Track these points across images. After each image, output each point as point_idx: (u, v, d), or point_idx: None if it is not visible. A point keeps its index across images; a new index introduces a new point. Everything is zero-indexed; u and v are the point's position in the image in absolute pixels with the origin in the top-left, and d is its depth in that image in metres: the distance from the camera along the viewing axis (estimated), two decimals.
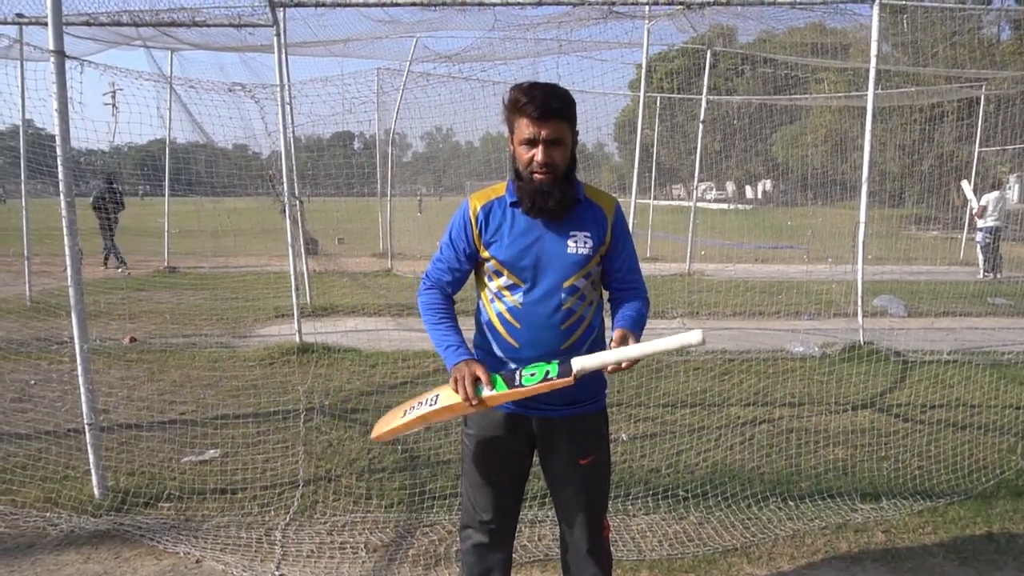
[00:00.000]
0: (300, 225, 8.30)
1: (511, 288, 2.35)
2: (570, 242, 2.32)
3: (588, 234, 2.34)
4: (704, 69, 12.63)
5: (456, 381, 2.22)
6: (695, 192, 15.15)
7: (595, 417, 2.48)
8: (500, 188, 2.41)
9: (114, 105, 6.54)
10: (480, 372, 2.22)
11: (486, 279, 2.42)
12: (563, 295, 2.33)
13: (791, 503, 3.83)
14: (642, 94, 9.82)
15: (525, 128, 2.25)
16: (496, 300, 2.38)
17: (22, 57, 8.42)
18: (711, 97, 13.70)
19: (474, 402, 2.19)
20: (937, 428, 4.85)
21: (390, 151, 15.13)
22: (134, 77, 6.57)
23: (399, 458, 4.47)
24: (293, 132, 8.08)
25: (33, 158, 11.67)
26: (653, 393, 5.60)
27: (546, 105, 2.21)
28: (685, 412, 5.29)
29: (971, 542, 3.45)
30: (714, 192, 33.56)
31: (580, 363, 2.16)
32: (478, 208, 2.37)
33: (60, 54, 3.60)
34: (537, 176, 2.26)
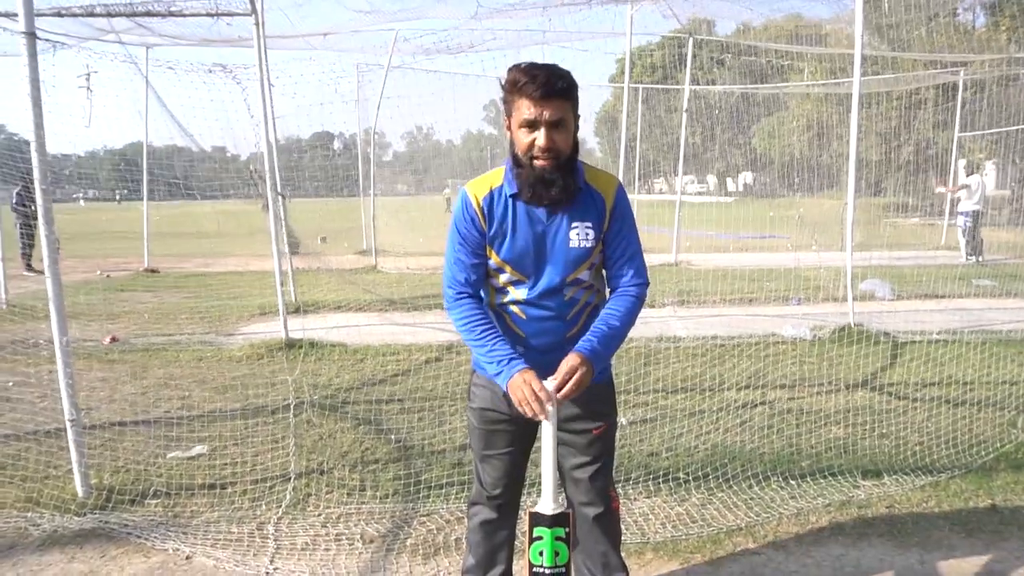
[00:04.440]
0: (283, 221, 8.16)
1: (515, 283, 2.29)
2: (572, 235, 2.25)
3: (589, 224, 2.26)
4: (686, 59, 12.61)
5: (520, 403, 2.15)
6: (679, 184, 15.17)
7: (603, 386, 2.43)
8: (497, 176, 2.30)
9: (88, 88, 6.37)
10: (536, 385, 2.13)
11: (489, 274, 2.35)
12: (567, 288, 2.28)
13: (793, 482, 3.78)
14: (627, 83, 9.77)
15: (525, 109, 2.13)
16: (500, 293, 2.33)
17: None
18: (695, 87, 13.69)
19: (547, 417, 2.14)
20: (933, 405, 4.84)
21: (372, 151, 14.98)
22: (109, 59, 6.38)
23: (392, 449, 4.37)
24: (274, 124, 7.94)
25: (10, 162, 11.43)
26: (646, 379, 5.55)
27: (549, 85, 2.10)
28: (680, 397, 5.23)
29: (975, 514, 3.42)
30: (696, 185, 33.68)
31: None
32: (480, 199, 2.27)
33: (31, 35, 3.47)
34: (538, 162, 2.16)
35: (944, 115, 16.44)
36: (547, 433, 2.16)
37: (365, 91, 14.21)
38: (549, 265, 2.26)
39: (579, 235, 2.25)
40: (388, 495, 3.74)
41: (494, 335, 2.27)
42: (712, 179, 34.77)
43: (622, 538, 3.09)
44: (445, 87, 13.37)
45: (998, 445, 4.16)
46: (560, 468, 2.46)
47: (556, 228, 2.24)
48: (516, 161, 2.22)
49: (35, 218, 3.63)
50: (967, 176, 13.75)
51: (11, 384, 5.94)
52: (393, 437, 4.48)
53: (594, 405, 2.40)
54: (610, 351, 2.31)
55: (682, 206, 14.40)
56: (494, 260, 2.28)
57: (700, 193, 32.65)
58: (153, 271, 13.29)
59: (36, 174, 3.51)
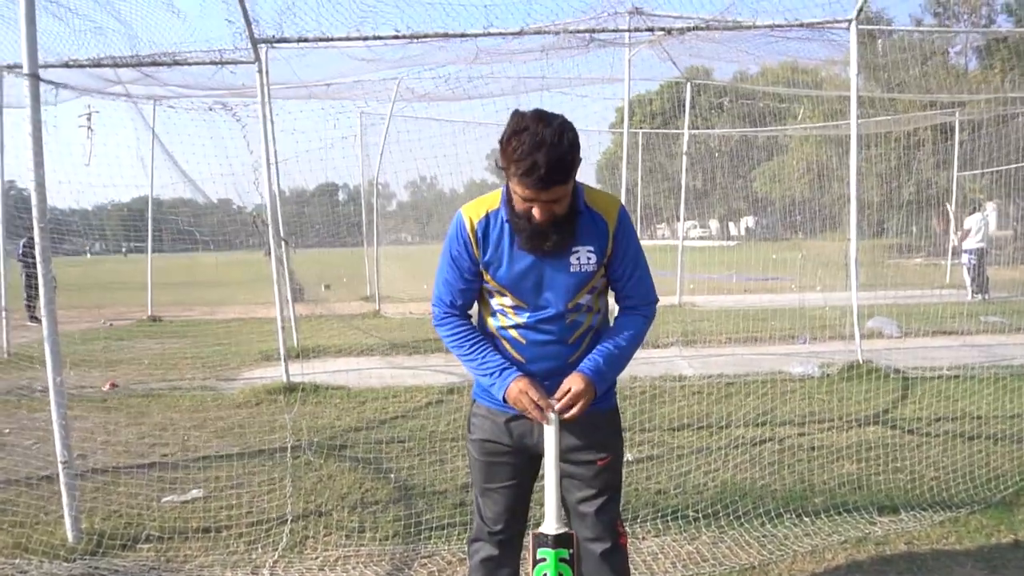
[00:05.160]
0: (286, 266, 8.16)
1: (514, 308, 2.23)
2: (572, 259, 2.18)
3: (591, 248, 2.19)
4: (685, 103, 12.78)
5: (523, 411, 2.16)
6: (681, 229, 15.21)
7: (608, 414, 2.34)
8: (494, 199, 2.24)
9: (90, 127, 6.44)
10: (534, 392, 2.14)
11: (487, 296, 2.30)
12: (568, 313, 2.22)
13: (807, 519, 3.65)
14: (626, 127, 9.87)
15: (520, 188, 2.03)
16: (500, 316, 2.27)
17: (1, 105, 8.33)
18: (694, 131, 13.85)
19: (549, 422, 2.14)
20: (948, 439, 4.72)
21: (375, 201, 15.13)
22: (111, 98, 6.46)
23: (393, 490, 4.26)
24: (277, 168, 8.01)
25: (18, 219, 11.57)
26: (652, 417, 5.44)
27: (548, 180, 1.98)
28: (688, 434, 5.12)
29: (998, 550, 3.29)
30: (698, 230, 33.81)
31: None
32: (475, 223, 2.21)
33: (35, 77, 3.50)
34: (535, 220, 2.09)
35: (942, 155, 16.58)
36: (549, 443, 2.10)
37: (368, 138, 14.41)
38: (548, 291, 2.20)
39: (579, 259, 2.19)
40: (388, 536, 3.62)
41: (484, 347, 2.24)
42: (714, 224, 34.94)
43: None
44: (447, 133, 13.50)
45: (1017, 479, 4.02)
46: (565, 503, 2.37)
47: (555, 253, 2.18)
48: (511, 206, 2.14)
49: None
50: (968, 215, 13.77)
51: (7, 431, 5.86)
52: (393, 476, 4.37)
53: (599, 434, 2.32)
54: (615, 372, 2.25)
55: (685, 251, 14.41)
56: (491, 284, 2.23)
57: (702, 238, 32.76)
58: (156, 319, 13.27)
59: (34, 212, 3.50)
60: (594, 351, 2.23)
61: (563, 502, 2.36)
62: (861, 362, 6.71)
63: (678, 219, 15.02)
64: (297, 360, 8.09)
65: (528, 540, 2.21)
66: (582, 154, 2.14)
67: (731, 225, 35.24)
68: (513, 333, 2.23)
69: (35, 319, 12.40)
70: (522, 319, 2.22)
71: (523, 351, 2.24)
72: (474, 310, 2.39)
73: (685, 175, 13.77)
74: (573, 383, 2.16)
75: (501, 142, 2.03)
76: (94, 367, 8.35)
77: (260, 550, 3.52)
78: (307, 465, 4.71)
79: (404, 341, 9.57)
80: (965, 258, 13.11)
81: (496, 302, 2.26)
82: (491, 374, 2.20)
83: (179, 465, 4.70)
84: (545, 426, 2.15)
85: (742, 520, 3.65)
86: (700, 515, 3.71)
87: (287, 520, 3.80)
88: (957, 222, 15.62)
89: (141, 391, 7.15)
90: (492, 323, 2.28)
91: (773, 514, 3.69)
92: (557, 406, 2.13)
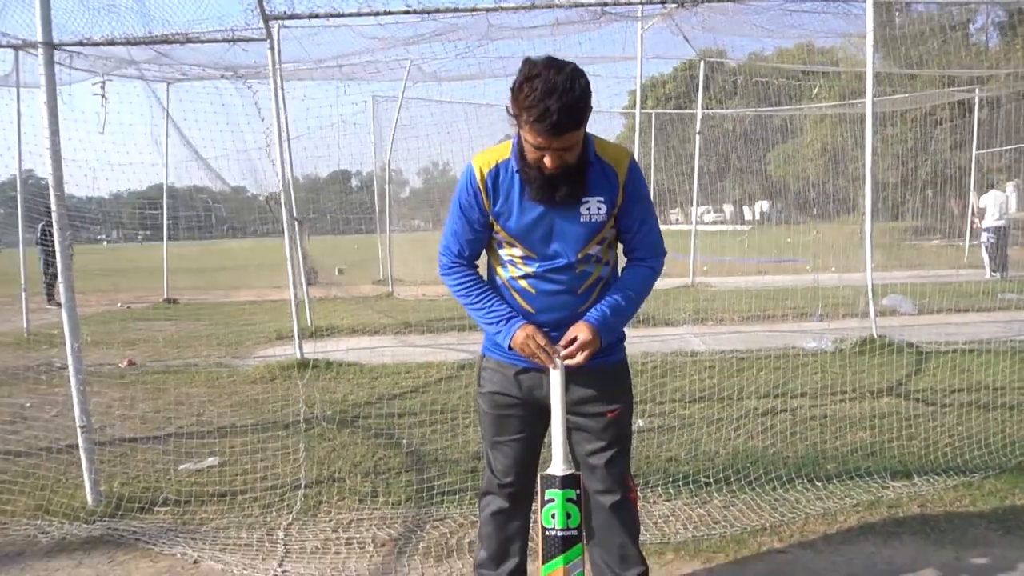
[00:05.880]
0: (299, 245, 8.20)
1: (524, 258, 2.24)
2: (583, 209, 2.18)
3: (601, 199, 2.19)
4: (699, 83, 12.67)
5: (530, 356, 2.20)
6: (694, 213, 15.11)
7: (617, 367, 2.35)
8: (505, 150, 2.24)
9: (104, 96, 6.49)
10: (540, 338, 2.18)
11: (496, 247, 2.30)
12: (578, 263, 2.22)
13: (819, 484, 3.65)
14: (638, 106, 9.81)
15: (532, 136, 2.02)
16: (509, 267, 2.28)
17: (18, 84, 8.40)
18: (707, 111, 13.73)
19: (556, 366, 2.17)
20: (963, 409, 4.68)
21: (388, 188, 15.15)
22: (124, 66, 6.50)
23: (405, 458, 4.29)
24: (289, 143, 8.04)
25: (33, 206, 11.72)
26: (664, 390, 5.43)
27: (560, 126, 1.96)
28: (700, 406, 5.11)
29: (1012, 512, 3.27)
30: (712, 215, 33.57)
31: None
32: (485, 173, 2.21)
33: (49, 45, 3.53)
34: (546, 169, 2.09)
35: (960, 135, 16.33)
36: (556, 388, 2.13)
37: (381, 123, 14.42)
38: (558, 241, 2.20)
39: (589, 210, 2.19)
40: (401, 501, 3.66)
41: (490, 296, 2.26)
42: (729, 208, 34.67)
43: (641, 538, 2.98)
44: (459, 118, 13.46)
45: None
46: (574, 455, 2.38)
47: (565, 203, 2.18)
48: (523, 156, 2.14)
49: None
50: (983, 194, 13.57)
51: (28, 405, 5.95)
52: (405, 441, 4.40)
53: (608, 386, 2.33)
54: (621, 322, 2.26)
55: (698, 235, 14.33)
56: (501, 234, 2.24)
57: (716, 222, 32.54)
58: (172, 301, 13.40)
59: (51, 180, 3.54)
60: (601, 302, 2.23)
61: (573, 455, 2.37)
62: (876, 336, 6.66)
63: (691, 204, 14.91)
64: (311, 339, 8.15)
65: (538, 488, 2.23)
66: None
67: (745, 209, 34.96)
68: (523, 283, 2.24)
69: (54, 302, 12.58)
70: (532, 268, 2.22)
71: (533, 301, 2.24)
72: (483, 261, 2.40)
73: (698, 156, 13.66)
74: (579, 331, 2.17)
75: (513, 89, 2.03)
76: (111, 346, 8.46)
77: (275, 513, 3.57)
78: (320, 436, 4.76)
79: (417, 321, 9.61)
80: (984, 236, 12.93)
81: (505, 253, 2.26)
82: (497, 322, 2.22)
83: (195, 436, 4.76)
84: (551, 370, 2.17)
85: (753, 485, 3.65)
86: (711, 480, 3.71)
87: (300, 485, 3.85)
88: (974, 205, 15.42)
89: (158, 368, 7.23)
90: (503, 273, 2.29)
91: (785, 479, 3.69)
92: (563, 352, 2.15)
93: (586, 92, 2.01)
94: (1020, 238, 16.06)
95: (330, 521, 3.47)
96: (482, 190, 2.21)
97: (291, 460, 4.26)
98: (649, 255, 2.30)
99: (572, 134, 2.02)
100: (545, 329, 2.22)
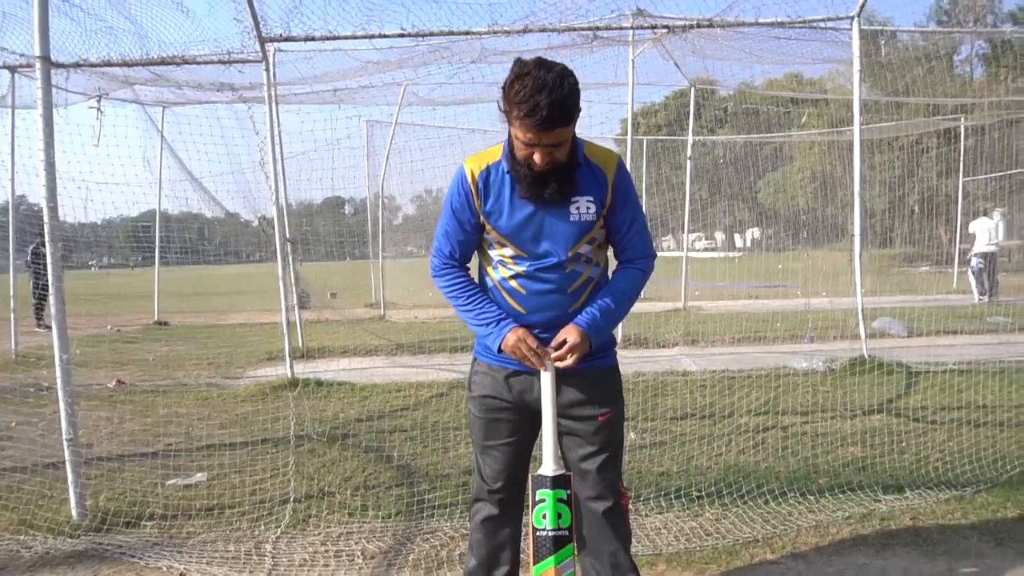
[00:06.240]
0: (291, 266, 8.20)
1: (515, 258, 2.26)
2: (572, 208, 2.21)
3: (591, 198, 2.22)
4: (690, 108, 12.84)
5: (521, 359, 2.21)
6: (686, 239, 15.21)
7: (608, 371, 2.36)
8: (495, 152, 2.28)
9: (99, 110, 6.52)
10: (529, 339, 2.19)
11: (487, 247, 2.32)
12: (568, 262, 2.24)
13: (811, 497, 3.64)
14: (630, 130, 9.92)
15: (523, 132, 2.07)
16: (500, 267, 2.29)
17: (13, 105, 8.44)
18: (698, 137, 13.89)
19: (546, 368, 2.19)
20: (953, 426, 4.70)
21: (380, 215, 15.22)
22: (120, 87, 6.54)
23: (396, 474, 4.26)
24: (283, 163, 8.08)
25: (26, 229, 11.73)
26: (656, 408, 5.43)
27: (550, 120, 2.01)
28: (692, 423, 5.10)
29: (1004, 525, 3.27)
30: (704, 242, 33.76)
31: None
32: (476, 174, 2.25)
33: (46, 60, 3.57)
34: (535, 167, 2.14)
35: (947, 163, 16.57)
36: (546, 389, 2.13)
37: (375, 147, 14.50)
38: (548, 239, 2.22)
39: (579, 209, 2.22)
40: (391, 515, 3.63)
41: (481, 298, 2.27)
42: (720, 236, 34.89)
43: (632, 549, 2.96)
44: (453, 142, 13.58)
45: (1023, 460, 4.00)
46: (566, 462, 2.38)
47: (555, 202, 2.21)
48: (513, 155, 2.18)
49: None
50: (972, 221, 13.76)
51: (14, 424, 5.88)
52: (396, 455, 4.37)
53: (599, 390, 2.33)
54: (611, 324, 2.27)
55: (690, 261, 14.40)
56: (492, 235, 2.26)
57: (708, 249, 32.69)
58: (163, 323, 13.33)
59: (44, 192, 3.55)
60: (591, 305, 2.25)
61: (564, 461, 2.36)
62: (866, 357, 6.68)
63: (683, 231, 15.00)
64: (302, 360, 8.11)
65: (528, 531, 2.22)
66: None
67: (736, 236, 35.19)
68: (513, 284, 2.25)
69: (43, 325, 12.49)
70: (522, 268, 2.24)
71: (523, 301, 2.25)
72: (475, 264, 2.42)
73: (689, 183, 13.78)
74: (568, 335, 2.19)
75: (504, 86, 2.07)
76: (100, 367, 8.39)
77: (263, 527, 3.53)
78: (311, 452, 4.72)
79: (409, 342, 9.59)
80: (974, 261, 13.05)
81: (496, 253, 2.28)
82: (487, 324, 2.24)
83: (184, 452, 4.71)
84: (542, 372, 2.18)
85: (745, 499, 3.64)
86: (703, 494, 3.70)
87: (290, 499, 3.81)
88: (962, 231, 15.59)
89: (147, 388, 7.17)
90: (493, 274, 2.30)
91: (777, 493, 3.68)
92: (553, 355, 2.16)
93: (575, 91, 2.06)
94: (1008, 264, 16.25)
95: (319, 534, 3.44)
96: (473, 190, 2.24)
97: (280, 476, 4.22)
98: (638, 256, 2.33)
99: (561, 130, 2.06)
100: (536, 330, 2.24)
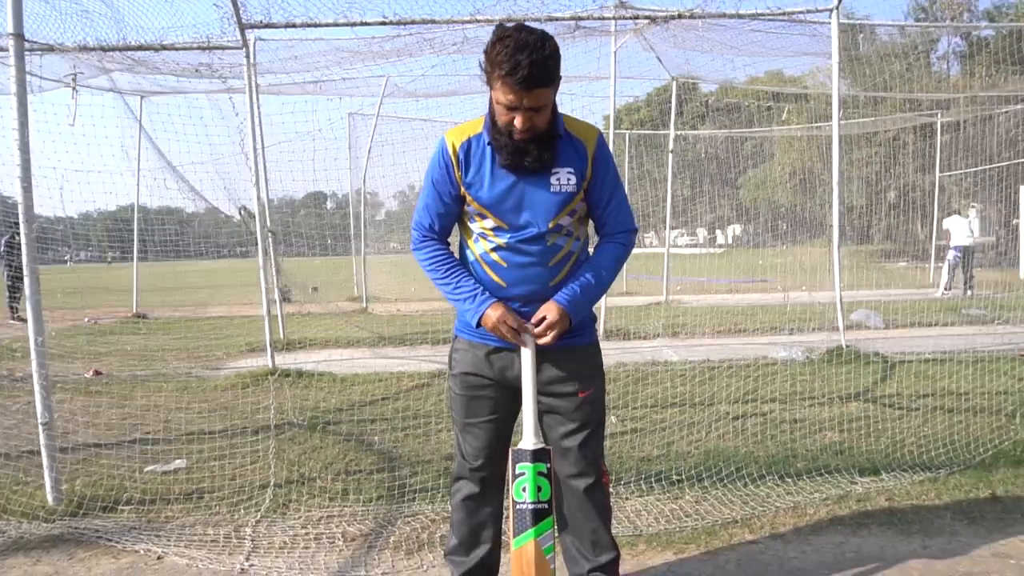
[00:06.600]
0: (272, 257, 8.13)
1: (495, 230, 2.25)
2: (553, 180, 2.22)
3: (571, 170, 2.23)
4: (671, 102, 12.89)
5: (501, 336, 2.22)
6: (668, 234, 15.28)
7: (589, 348, 2.37)
8: (477, 124, 2.29)
9: (74, 88, 6.41)
10: (509, 317, 2.20)
11: (468, 220, 2.32)
12: (549, 234, 2.24)
13: (789, 480, 3.68)
14: (612, 123, 9.95)
15: (504, 94, 2.08)
16: (481, 240, 2.29)
17: None
18: (680, 132, 13.95)
19: (526, 344, 2.20)
20: (928, 412, 4.77)
21: (363, 210, 15.14)
22: (96, 59, 6.42)
23: (377, 459, 4.25)
24: (264, 152, 8.01)
25: (1, 220, 11.53)
26: (637, 397, 5.46)
27: (531, 79, 2.03)
28: (673, 411, 5.13)
29: (977, 504, 3.33)
30: (686, 238, 33.95)
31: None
32: (456, 146, 2.25)
33: (19, 37, 3.51)
34: (516, 135, 2.15)
35: (924, 159, 16.80)
36: (526, 365, 2.14)
37: (357, 140, 14.42)
38: (528, 210, 2.22)
39: (559, 180, 2.22)
40: (372, 499, 3.61)
41: (459, 272, 2.28)
42: (702, 232, 35.10)
43: (612, 528, 2.98)
44: (437, 134, 13.52)
45: (996, 443, 4.07)
46: (547, 439, 2.39)
47: (536, 174, 2.21)
48: (494, 124, 2.18)
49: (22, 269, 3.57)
50: (946, 217, 13.98)
51: None
52: (377, 439, 4.36)
53: (580, 367, 2.34)
54: (591, 300, 2.28)
55: (672, 257, 14.46)
56: (473, 206, 2.25)
57: (690, 246, 32.87)
58: (142, 316, 13.17)
59: (18, 172, 3.49)
60: (572, 281, 2.25)
61: (545, 440, 2.37)
62: (844, 347, 6.76)
63: (665, 227, 15.07)
64: (283, 351, 8.05)
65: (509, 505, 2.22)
66: None
67: (718, 232, 35.43)
68: (494, 256, 2.26)
69: (17, 317, 12.31)
70: (503, 240, 2.24)
71: (504, 274, 2.25)
72: (455, 240, 2.42)
73: (671, 176, 13.84)
74: (548, 311, 2.19)
75: (486, 50, 2.09)
76: (77, 358, 8.28)
77: (243, 511, 3.51)
78: (291, 439, 4.70)
79: (392, 334, 9.56)
80: (951, 254, 13.24)
81: (477, 226, 2.28)
82: (465, 299, 2.24)
83: (162, 440, 4.67)
84: (522, 348, 2.18)
85: (725, 482, 3.68)
86: (683, 477, 3.73)
87: (270, 484, 3.79)
88: (939, 228, 15.82)
89: (125, 378, 7.09)
90: (474, 248, 2.30)
91: (756, 476, 3.71)
92: (534, 330, 2.17)
93: (556, 54, 2.09)
94: (983, 259, 16.51)
95: (299, 518, 3.42)
96: (454, 162, 2.24)
97: (261, 462, 4.19)
98: (619, 230, 2.33)
99: (542, 91, 2.07)
100: (516, 304, 2.24)
